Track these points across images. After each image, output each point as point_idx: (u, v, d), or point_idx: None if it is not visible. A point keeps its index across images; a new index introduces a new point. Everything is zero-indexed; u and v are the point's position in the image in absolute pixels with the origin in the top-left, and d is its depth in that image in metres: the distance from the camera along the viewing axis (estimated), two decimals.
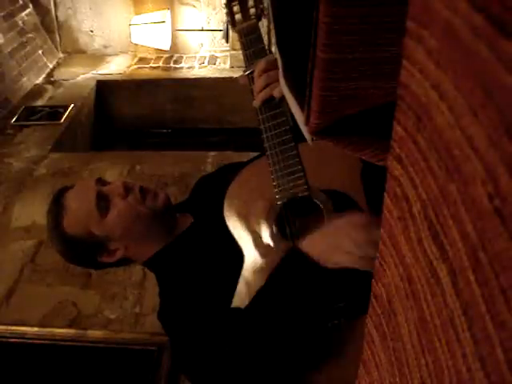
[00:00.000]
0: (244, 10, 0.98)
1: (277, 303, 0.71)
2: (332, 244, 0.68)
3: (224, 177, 0.92)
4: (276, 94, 0.84)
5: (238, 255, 0.80)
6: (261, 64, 0.87)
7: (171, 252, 0.91)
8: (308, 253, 0.69)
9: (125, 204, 0.87)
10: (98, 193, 0.87)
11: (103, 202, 0.86)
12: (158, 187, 2.11)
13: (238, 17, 0.99)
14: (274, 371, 0.71)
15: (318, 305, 0.71)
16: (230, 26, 1.01)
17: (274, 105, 0.86)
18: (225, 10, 1.01)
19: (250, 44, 0.94)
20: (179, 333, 0.79)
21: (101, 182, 0.92)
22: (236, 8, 0.99)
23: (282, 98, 0.84)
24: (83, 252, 0.90)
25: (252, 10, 0.98)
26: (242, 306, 0.75)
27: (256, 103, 0.87)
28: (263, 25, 2.74)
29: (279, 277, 0.73)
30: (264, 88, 0.86)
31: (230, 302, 0.77)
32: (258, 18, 0.98)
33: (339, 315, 0.72)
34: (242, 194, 0.85)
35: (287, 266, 0.73)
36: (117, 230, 0.87)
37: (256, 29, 0.96)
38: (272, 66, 0.85)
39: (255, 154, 0.98)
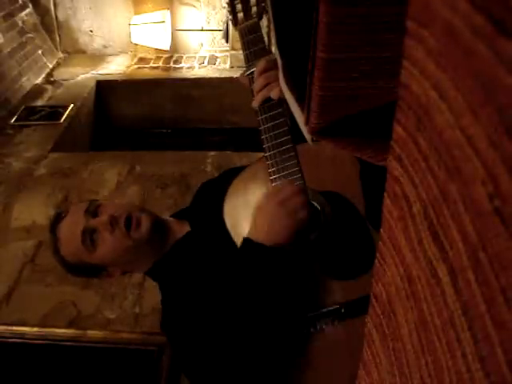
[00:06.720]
0: (246, 8, 0.97)
1: (251, 298, 0.72)
2: (273, 221, 0.72)
3: (225, 182, 0.92)
4: (273, 95, 0.83)
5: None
6: (261, 64, 0.86)
7: (168, 261, 0.92)
8: (264, 242, 0.72)
9: (112, 239, 0.89)
10: (83, 229, 0.90)
11: (90, 236, 0.90)
12: (158, 187, 2.12)
13: (239, 15, 0.98)
14: (275, 377, 0.72)
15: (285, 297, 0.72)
16: (231, 25, 1.00)
17: (274, 105, 0.85)
18: (227, 9, 1.00)
19: (251, 44, 0.93)
20: (184, 342, 0.79)
21: (90, 211, 0.92)
22: (239, 6, 0.98)
23: (282, 99, 0.84)
24: (84, 274, 0.98)
25: (254, 9, 0.96)
26: None
27: (255, 104, 0.86)
28: (263, 25, 2.74)
29: (241, 277, 0.74)
30: (263, 88, 0.85)
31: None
32: (260, 16, 0.97)
33: (333, 317, 0.72)
34: (241, 197, 0.85)
35: (246, 263, 0.74)
36: (108, 261, 0.92)
37: (257, 28, 0.95)
38: (272, 65, 0.84)
39: (255, 154, 0.98)
